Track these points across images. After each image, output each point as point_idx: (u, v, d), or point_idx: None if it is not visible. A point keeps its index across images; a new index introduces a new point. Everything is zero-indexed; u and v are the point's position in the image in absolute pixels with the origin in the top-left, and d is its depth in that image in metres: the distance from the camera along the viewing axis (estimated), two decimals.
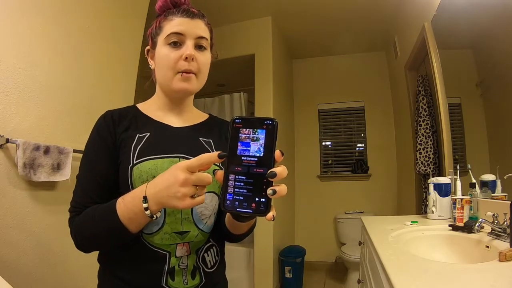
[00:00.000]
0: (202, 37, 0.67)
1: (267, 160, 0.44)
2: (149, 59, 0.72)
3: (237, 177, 0.45)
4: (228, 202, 0.45)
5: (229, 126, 0.46)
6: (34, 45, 1.19)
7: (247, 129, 0.45)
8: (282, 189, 0.44)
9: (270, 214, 0.45)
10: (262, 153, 0.45)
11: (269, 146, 0.45)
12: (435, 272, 0.70)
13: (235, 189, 0.45)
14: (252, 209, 0.44)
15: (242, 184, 0.45)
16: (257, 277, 2.60)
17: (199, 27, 0.67)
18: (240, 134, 0.45)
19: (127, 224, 0.55)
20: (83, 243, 0.60)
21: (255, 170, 0.45)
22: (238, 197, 0.44)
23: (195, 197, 0.49)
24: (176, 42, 0.65)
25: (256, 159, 0.45)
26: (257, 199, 0.44)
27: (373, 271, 1.05)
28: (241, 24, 2.89)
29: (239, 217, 0.55)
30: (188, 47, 0.65)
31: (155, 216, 0.53)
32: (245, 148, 0.45)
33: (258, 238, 2.61)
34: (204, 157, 0.48)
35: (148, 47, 0.72)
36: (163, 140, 0.67)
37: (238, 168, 0.45)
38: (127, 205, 0.55)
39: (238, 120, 0.46)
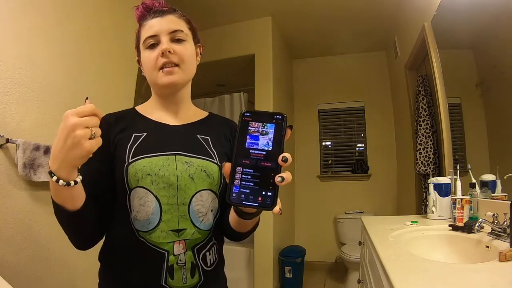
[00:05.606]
0: (176, 30, 0.69)
1: (275, 154, 0.44)
2: (140, 67, 0.74)
3: (244, 169, 0.44)
4: (234, 194, 0.43)
5: (239, 120, 0.45)
6: (34, 45, 1.19)
7: (256, 123, 0.45)
8: (288, 176, 0.44)
9: (277, 208, 0.44)
10: (271, 147, 0.44)
11: (278, 140, 0.44)
12: (435, 272, 0.70)
13: (242, 182, 0.43)
14: (258, 202, 0.43)
15: (249, 177, 0.43)
16: (257, 277, 2.59)
17: (171, 22, 0.69)
18: (249, 127, 0.45)
19: (58, 200, 0.53)
20: (67, 236, 0.60)
21: (263, 163, 0.44)
22: (244, 190, 0.43)
23: (94, 138, 0.48)
24: (154, 43, 0.67)
25: (264, 152, 0.44)
26: (263, 192, 0.43)
27: (373, 271, 1.05)
28: (241, 24, 2.88)
29: (244, 214, 0.55)
30: (163, 43, 0.67)
31: (72, 183, 0.50)
32: (253, 141, 0.44)
33: (258, 238, 2.61)
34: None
35: (137, 57, 0.75)
36: (159, 139, 0.68)
37: (246, 161, 0.44)
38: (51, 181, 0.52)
39: (247, 114, 0.45)
